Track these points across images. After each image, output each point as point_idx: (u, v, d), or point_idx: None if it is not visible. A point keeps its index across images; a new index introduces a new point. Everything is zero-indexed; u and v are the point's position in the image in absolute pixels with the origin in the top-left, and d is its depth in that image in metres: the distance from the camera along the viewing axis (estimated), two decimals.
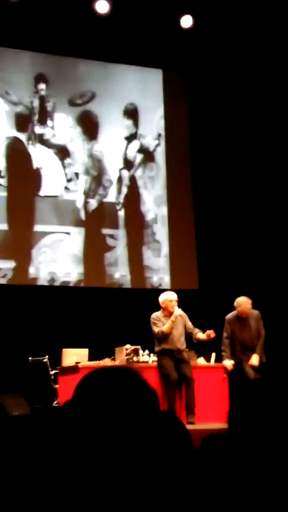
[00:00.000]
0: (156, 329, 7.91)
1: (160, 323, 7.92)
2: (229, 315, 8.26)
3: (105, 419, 1.35)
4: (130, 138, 10.65)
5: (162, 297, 8.06)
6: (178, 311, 7.90)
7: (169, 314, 7.92)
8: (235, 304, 8.25)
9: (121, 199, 10.43)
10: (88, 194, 10.20)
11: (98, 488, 1.37)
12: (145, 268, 10.44)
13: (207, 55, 10.69)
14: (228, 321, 8.23)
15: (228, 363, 8.14)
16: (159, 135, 10.81)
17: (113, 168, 10.46)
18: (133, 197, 10.55)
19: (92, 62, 10.49)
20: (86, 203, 10.17)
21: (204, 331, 7.94)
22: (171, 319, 7.86)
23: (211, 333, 7.94)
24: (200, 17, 10.22)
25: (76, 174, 10.18)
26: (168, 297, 8.00)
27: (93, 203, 10.22)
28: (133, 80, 10.76)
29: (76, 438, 1.35)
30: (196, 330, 8.01)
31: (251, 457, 1.75)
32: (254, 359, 8.09)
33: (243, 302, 8.20)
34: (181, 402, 7.87)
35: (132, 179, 10.57)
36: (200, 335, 7.95)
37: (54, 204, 10.01)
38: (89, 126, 10.38)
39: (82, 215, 10.14)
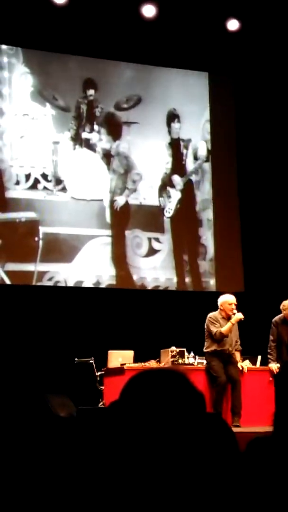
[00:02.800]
0: (214, 329, 7.97)
1: (217, 323, 7.97)
2: (276, 318, 8.22)
3: (152, 421, 1.37)
4: (175, 142, 10.65)
5: (222, 299, 8.15)
6: (240, 315, 7.96)
7: (227, 316, 8.01)
8: (281, 307, 8.20)
9: (167, 203, 10.44)
10: (127, 198, 10.25)
11: (145, 488, 1.38)
12: (191, 272, 10.42)
13: (254, 58, 10.62)
14: (275, 324, 8.19)
15: (274, 366, 8.09)
16: (205, 139, 10.79)
17: (156, 172, 10.46)
18: (179, 202, 10.54)
19: (137, 66, 10.53)
20: (127, 207, 10.21)
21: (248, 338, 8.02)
22: (231, 321, 7.96)
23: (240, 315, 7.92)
24: (247, 21, 10.15)
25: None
26: (228, 300, 8.10)
27: (135, 208, 10.27)
28: (178, 83, 10.76)
29: (123, 439, 1.37)
30: (237, 344, 8.06)
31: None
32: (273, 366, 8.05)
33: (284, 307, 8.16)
34: (227, 404, 7.86)
35: (178, 184, 10.57)
36: (237, 355, 8.02)
37: (100, 207, 10.08)
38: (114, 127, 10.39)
39: (124, 219, 10.20)
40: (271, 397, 8.12)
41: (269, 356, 8.18)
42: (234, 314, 7.97)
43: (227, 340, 7.97)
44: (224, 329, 7.92)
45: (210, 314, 8.09)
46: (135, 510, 1.36)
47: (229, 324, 7.93)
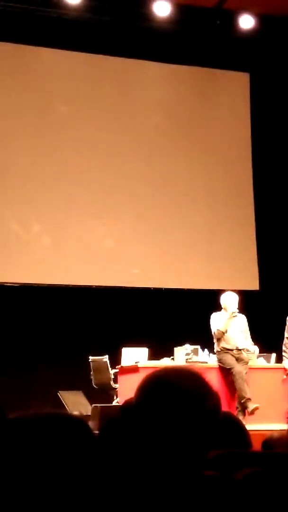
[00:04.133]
0: (214, 328, 7.97)
1: (218, 322, 7.96)
2: None
3: (167, 420, 1.38)
4: None
5: (223, 298, 8.09)
6: (233, 310, 7.92)
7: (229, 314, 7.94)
8: None
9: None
10: None
11: (158, 486, 1.39)
12: (206, 270, 10.41)
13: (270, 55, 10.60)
14: None
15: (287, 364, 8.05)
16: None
17: None
18: None
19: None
20: None
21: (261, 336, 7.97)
22: (226, 317, 7.90)
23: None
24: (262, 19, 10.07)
25: None
26: (228, 298, 8.04)
27: None
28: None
29: (139, 437, 1.38)
30: (248, 341, 8.02)
31: None
32: None
33: None
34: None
35: None
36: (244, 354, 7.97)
37: None
38: None
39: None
40: (285, 395, 8.11)
41: (284, 353, 8.15)
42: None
43: (232, 337, 7.91)
44: (221, 326, 7.90)
45: (213, 314, 8.06)
46: (152, 504, 1.37)
47: (224, 321, 7.89)
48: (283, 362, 8.12)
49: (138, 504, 1.38)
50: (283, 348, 8.13)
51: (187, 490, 1.39)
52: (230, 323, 7.90)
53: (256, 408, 7.58)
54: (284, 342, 8.12)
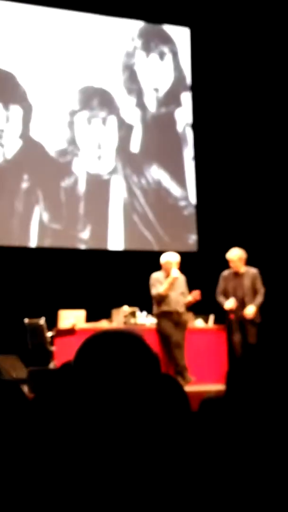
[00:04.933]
0: (153, 291, 7.79)
1: (159, 284, 7.79)
2: (225, 271, 8.21)
3: (107, 382, 1.34)
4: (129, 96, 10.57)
5: (164, 258, 7.93)
6: (175, 273, 7.82)
7: (169, 275, 7.81)
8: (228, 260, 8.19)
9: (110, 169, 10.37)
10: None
11: (97, 451, 1.36)
12: (144, 232, 10.40)
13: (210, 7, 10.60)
14: (223, 278, 8.17)
15: (229, 303, 8.00)
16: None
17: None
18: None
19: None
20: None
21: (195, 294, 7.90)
22: (167, 281, 7.76)
23: (197, 295, 7.88)
24: None
25: None
26: (169, 260, 7.87)
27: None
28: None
29: (78, 400, 1.34)
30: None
31: (249, 419, 1.75)
32: (249, 310, 7.98)
33: (231, 257, 8.15)
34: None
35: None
36: (189, 297, 7.90)
37: None
38: None
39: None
40: (223, 356, 8.24)
41: (219, 301, 8.08)
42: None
43: (172, 299, 7.76)
44: (162, 289, 7.72)
45: (153, 275, 7.87)
46: (88, 472, 1.35)
47: (165, 284, 7.73)
48: (224, 306, 8.08)
49: (71, 464, 1.35)
50: (217, 299, 8.08)
51: (125, 450, 1.36)
52: (171, 286, 7.77)
53: (191, 381, 7.56)
54: (216, 296, 8.10)
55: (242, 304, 8.00)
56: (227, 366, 8.07)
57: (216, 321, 8.57)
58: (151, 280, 7.87)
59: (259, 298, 8.06)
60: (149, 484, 1.32)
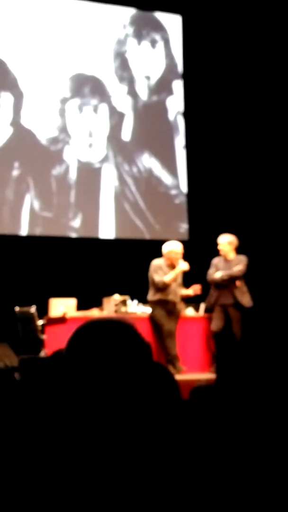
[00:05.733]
0: (157, 278, 7.77)
1: (161, 271, 7.78)
2: (215, 258, 8.22)
3: (98, 371, 1.35)
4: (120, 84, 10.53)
5: (168, 248, 7.91)
6: (184, 265, 7.84)
7: (171, 264, 7.82)
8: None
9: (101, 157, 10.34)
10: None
11: (88, 439, 1.37)
12: (135, 220, 10.39)
13: None
14: (213, 264, 8.17)
15: (219, 273, 7.99)
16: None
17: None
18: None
19: None
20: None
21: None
22: (175, 271, 7.76)
23: (197, 289, 7.93)
24: None
25: None
26: (174, 249, 7.87)
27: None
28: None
29: (70, 389, 1.35)
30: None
31: (239, 407, 1.76)
32: (217, 274, 7.99)
33: (221, 241, 8.14)
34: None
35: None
36: (185, 291, 7.94)
37: None
38: None
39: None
40: (212, 344, 8.26)
41: (211, 279, 8.05)
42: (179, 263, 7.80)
43: (171, 289, 7.80)
44: (168, 278, 7.75)
45: (154, 261, 7.86)
46: (79, 460, 1.35)
47: (173, 274, 7.75)
48: (215, 276, 8.06)
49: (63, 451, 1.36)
50: (209, 278, 8.08)
51: (117, 438, 1.36)
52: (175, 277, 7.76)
53: (182, 371, 7.58)
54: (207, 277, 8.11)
55: (231, 291, 8.02)
56: (212, 354, 8.11)
57: (207, 310, 8.58)
58: (152, 266, 7.85)
59: (239, 267, 8.01)
60: (141, 472, 1.33)
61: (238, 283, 8.01)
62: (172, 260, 7.81)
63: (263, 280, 9.78)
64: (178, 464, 1.39)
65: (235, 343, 7.61)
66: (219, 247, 8.11)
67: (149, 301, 7.94)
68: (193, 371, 7.72)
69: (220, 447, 1.67)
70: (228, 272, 7.98)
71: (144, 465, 1.35)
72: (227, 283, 7.99)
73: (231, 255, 8.11)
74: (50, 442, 1.41)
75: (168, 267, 7.83)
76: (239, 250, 8.28)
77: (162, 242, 8.20)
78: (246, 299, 8.02)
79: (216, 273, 8.02)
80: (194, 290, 7.90)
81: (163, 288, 7.77)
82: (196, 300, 8.58)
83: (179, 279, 7.94)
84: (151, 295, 7.89)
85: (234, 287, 8.01)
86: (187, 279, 8.18)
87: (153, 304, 7.87)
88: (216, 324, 7.99)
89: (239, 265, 8.04)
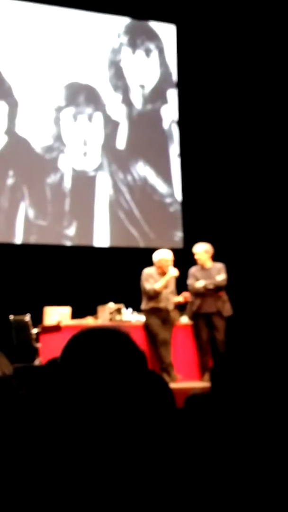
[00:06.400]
0: (148, 286, 7.80)
1: (152, 280, 7.81)
2: (191, 268, 8.21)
3: (93, 380, 1.35)
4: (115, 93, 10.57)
5: (158, 256, 7.94)
6: (174, 272, 7.86)
7: (163, 272, 7.83)
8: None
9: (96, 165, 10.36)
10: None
11: (84, 447, 1.37)
12: (130, 228, 10.40)
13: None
14: (191, 274, 8.14)
15: (200, 282, 7.99)
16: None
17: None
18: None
19: None
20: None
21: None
22: (165, 278, 7.77)
23: (188, 296, 7.95)
24: None
25: None
26: (164, 257, 7.90)
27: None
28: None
29: (65, 397, 1.35)
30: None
31: (233, 416, 1.76)
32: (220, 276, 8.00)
33: (196, 250, 8.15)
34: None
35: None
36: (176, 298, 7.96)
37: None
38: None
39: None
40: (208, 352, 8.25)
41: (193, 289, 8.05)
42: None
43: (163, 297, 7.81)
44: (158, 286, 7.77)
45: (145, 270, 7.89)
46: (73, 466, 1.35)
47: (163, 281, 7.77)
48: (198, 285, 8.07)
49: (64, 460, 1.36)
50: (191, 287, 8.08)
51: (112, 447, 1.37)
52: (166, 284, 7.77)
53: (177, 379, 7.58)
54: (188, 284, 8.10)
55: (214, 299, 8.03)
56: (202, 363, 8.12)
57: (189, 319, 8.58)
58: (143, 275, 7.88)
59: (222, 276, 8.03)
60: (137, 480, 1.33)
61: (222, 292, 8.04)
62: (163, 268, 7.84)
63: (255, 289, 9.79)
64: (173, 472, 1.39)
65: (224, 352, 7.63)
66: (196, 256, 8.14)
67: (143, 310, 7.96)
68: (188, 379, 7.72)
69: (215, 455, 1.67)
70: (212, 281, 8.00)
71: (139, 473, 1.35)
72: (211, 292, 8.02)
73: (208, 263, 8.14)
74: (45, 451, 1.41)
75: (160, 275, 7.85)
76: (232, 258, 8.31)
77: (157, 250, 8.21)
78: (227, 308, 8.06)
79: (198, 282, 8.03)
80: (184, 297, 7.92)
81: (154, 295, 7.79)
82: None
83: (172, 287, 7.93)
84: (144, 304, 7.91)
85: (216, 295, 8.04)
86: (182, 287, 8.19)
87: (147, 313, 7.88)
88: (204, 333, 8.03)
89: (221, 273, 8.06)
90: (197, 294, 8.06)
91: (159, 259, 7.90)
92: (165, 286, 7.81)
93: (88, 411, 1.35)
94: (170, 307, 7.90)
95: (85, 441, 1.37)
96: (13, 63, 9.87)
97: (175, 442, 1.81)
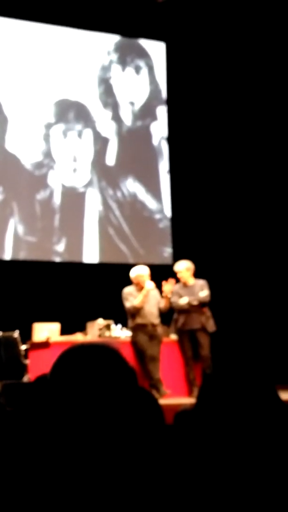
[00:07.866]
0: (127, 304, 7.83)
1: (132, 297, 7.82)
2: (175, 286, 8.15)
3: (83, 396, 1.35)
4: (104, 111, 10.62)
5: (134, 272, 7.97)
6: (149, 285, 7.87)
7: (141, 288, 7.83)
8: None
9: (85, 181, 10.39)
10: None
11: (73, 464, 1.37)
12: (119, 244, 10.42)
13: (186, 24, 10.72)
14: (174, 292, 8.09)
15: (184, 299, 7.97)
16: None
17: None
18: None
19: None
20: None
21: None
22: (142, 293, 7.78)
23: (172, 282, 7.89)
24: None
25: None
26: (140, 273, 7.93)
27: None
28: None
29: (54, 414, 1.35)
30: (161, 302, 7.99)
31: (223, 431, 1.76)
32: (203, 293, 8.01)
33: (178, 268, 8.17)
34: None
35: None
36: (167, 287, 7.91)
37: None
38: None
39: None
40: (197, 369, 8.24)
41: (176, 306, 8.03)
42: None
43: (146, 312, 7.82)
44: (136, 302, 7.77)
45: (125, 289, 7.93)
46: (62, 483, 1.35)
47: (140, 296, 7.78)
48: (182, 302, 8.03)
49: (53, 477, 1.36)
50: (175, 305, 8.06)
51: (101, 464, 1.36)
52: (145, 299, 7.80)
53: (166, 394, 7.57)
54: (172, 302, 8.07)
55: (198, 315, 8.03)
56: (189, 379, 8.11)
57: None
58: (123, 294, 7.92)
59: (206, 293, 8.04)
60: (126, 496, 1.33)
61: (205, 308, 8.05)
62: (141, 284, 7.86)
63: (248, 305, 9.81)
64: (164, 488, 1.39)
65: (211, 370, 7.62)
66: (178, 275, 8.13)
67: (129, 328, 7.98)
68: (176, 395, 7.70)
69: (204, 472, 1.67)
70: (197, 298, 8.01)
71: (130, 490, 1.35)
72: (195, 308, 8.03)
73: (191, 280, 8.14)
74: (35, 468, 1.41)
75: (139, 291, 7.87)
76: (222, 273, 8.32)
77: (144, 266, 8.22)
78: (210, 324, 8.06)
79: (182, 299, 8.04)
80: (168, 285, 7.86)
81: (135, 312, 7.81)
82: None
83: (153, 300, 7.92)
84: (130, 323, 7.97)
85: (201, 311, 8.04)
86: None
87: (133, 330, 7.90)
88: (188, 349, 8.05)
89: (204, 290, 8.07)
90: (180, 311, 8.06)
91: (136, 276, 7.94)
92: (145, 301, 7.81)
93: (77, 428, 1.35)
94: (156, 321, 7.90)
95: (75, 458, 1.37)
96: (3, 79, 9.90)
97: (164, 458, 1.81)
